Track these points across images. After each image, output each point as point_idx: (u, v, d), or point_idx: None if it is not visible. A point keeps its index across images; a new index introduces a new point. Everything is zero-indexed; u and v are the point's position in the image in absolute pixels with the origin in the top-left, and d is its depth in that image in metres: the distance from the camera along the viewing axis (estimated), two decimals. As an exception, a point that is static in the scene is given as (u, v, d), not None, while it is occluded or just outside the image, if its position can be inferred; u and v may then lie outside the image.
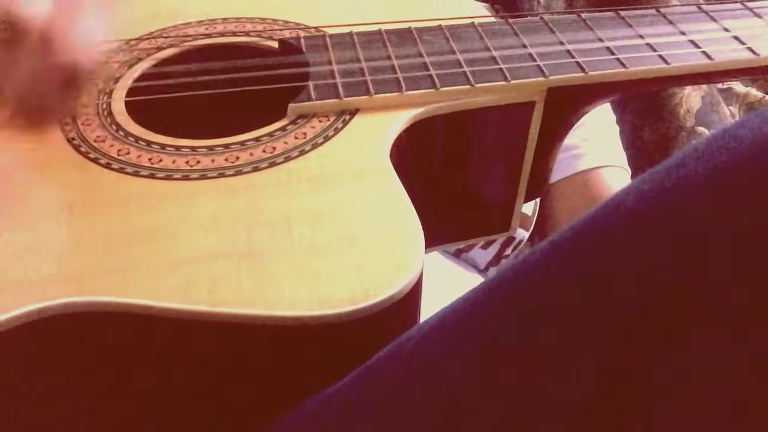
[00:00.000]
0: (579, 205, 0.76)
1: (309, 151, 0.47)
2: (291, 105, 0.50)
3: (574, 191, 0.77)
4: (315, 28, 0.59)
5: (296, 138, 0.48)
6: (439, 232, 0.57)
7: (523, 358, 0.34)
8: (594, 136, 0.79)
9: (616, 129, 0.83)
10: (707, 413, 0.31)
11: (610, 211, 0.34)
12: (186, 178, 0.46)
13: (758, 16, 0.57)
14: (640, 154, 0.94)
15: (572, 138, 0.76)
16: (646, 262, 0.32)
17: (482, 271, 0.77)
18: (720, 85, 1.00)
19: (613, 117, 0.84)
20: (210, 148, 0.48)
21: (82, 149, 0.48)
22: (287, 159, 0.47)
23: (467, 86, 0.51)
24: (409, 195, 0.44)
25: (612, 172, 0.78)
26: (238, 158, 0.47)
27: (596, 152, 0.78)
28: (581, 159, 0.77)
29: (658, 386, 0.31)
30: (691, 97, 0.95)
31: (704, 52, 0.53)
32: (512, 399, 0.34)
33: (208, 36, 0.58)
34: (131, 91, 0.53)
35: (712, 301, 0.30)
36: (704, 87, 0.96)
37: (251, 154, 0.47)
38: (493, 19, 0.59)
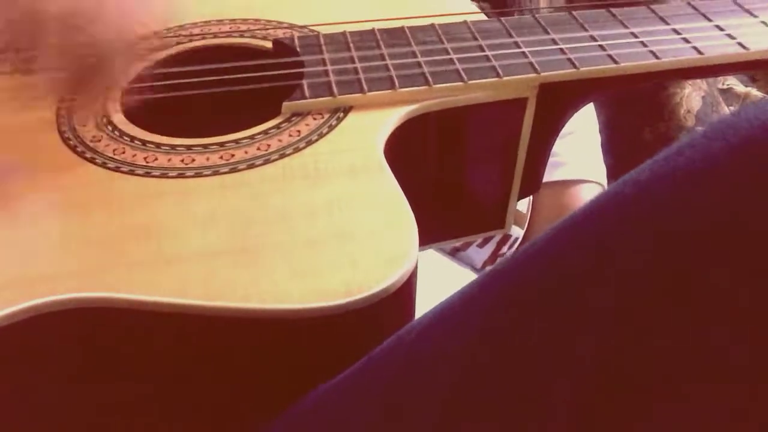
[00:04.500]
0: (550, 216, 0.76)
1: (303, 148, 0.48)
2: (285, 103, 0.51)
3: (547, 199, 0.77)
4: (308, 27, 0.59)
5: (291, 135, 0.49)
6: (434, 229, 0.57)
7: (521, 348, 0.34)
8: (577, 147, 0.79)
9: (599, 139, 0.83)
10: (708, 413, 0.31)
11: (607, 201, 0.34)
12: (181, 176, 0.46)
13: (748, 12, 0.57)
14: (640, 154, 0.94)
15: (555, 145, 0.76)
16: (643, 252, 0.32)
17: (478, 270, 0.77)
18: (720, 86, 1.00)
19: (596, 125, 0.84)
20: (205, 146, 0.48)
21: (78, 149, 0.48)
22: (282, 156, 0.47)
23: (460, 83, 0.51)
24: (403, 192, 0.45)
25: (588, 189, 0.78)
26: (233, 156, 0.47)
27: (576, 164, 0.78)
28: (559, 168, 0.77)
29: (657, 372, 0.31)
30: (692, 98, 0.95)
31: (695, 47, 0.53)
32: (513, 387, 0.34)
33: (203, 37, 0.59)
34: (126, 91, 0.54)
35: (712, 285, 0.30)
36: (704, 87, 0.96)
37: (246, 152, 0.48)
38: (485, 18, 0.59)
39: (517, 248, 0.78)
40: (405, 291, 0.41)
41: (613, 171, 0.83)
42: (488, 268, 0.76)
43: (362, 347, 0.40)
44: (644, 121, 0.96)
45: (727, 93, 1.01)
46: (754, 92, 1.02)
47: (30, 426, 0.43)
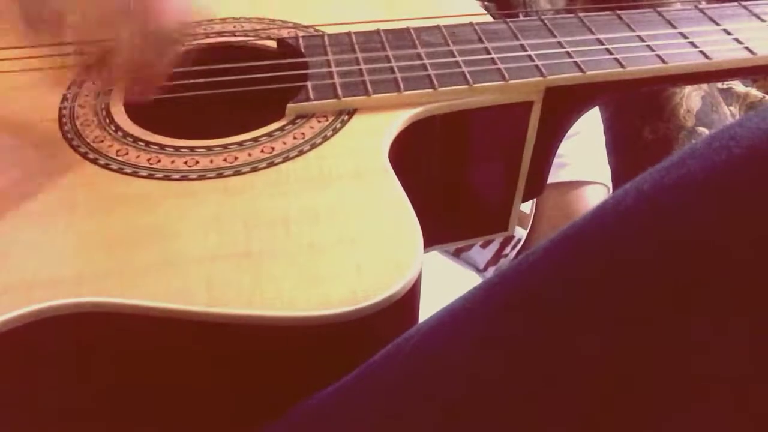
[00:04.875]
0: (553, 216, 0.76)
1: (308, 151, 0.47)
2: (289, 105, 0.50)
3: (551, 199, 0.77)
4: (313, 27, 0.59)
5: (295, 138, 0.48)
6: (438, 232, 0.57)
7: (524, 356, 0.34)
8: (581, 148, 0.79)
9: (603, 140, 0.83)
10: (714, 418, 0.31)
11: (609, 210, 0.34)
12: (184, 178, 0.46)
13: (757, 16, 0.57)
14: (640, 154, 0.94)
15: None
16: (647, 262, 0.32)
17: (481, 271, 0.77)
18: (720, 85, 1.00)
19: (600, 126, 0.84)
20: (208, 148, 0.48)
21: (81, 150, 0.48)
22: (286, 159, 0.47)
23: (465, 86, 0.51)
24: (407, 195, 0.44)
25: (593, 190, 0.78)
26: (236, 158, 0.47)
27: (580, 165, 0.78)
28: (564, 168, 0.77)
29: (661, 380, 0.31)
30: (692, 97, 0.95)
31: (702, 52, 0.53)
32: (515, 395, 0.34)
33: (207, 36, 0.58)
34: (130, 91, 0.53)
35: (715, 296, 0.30)
36: (704, 87, 0.96)
37: (250, 155, 0.47)
38: (491, 19, 0.59)
39: (519, 251, 0.78)
40: (409, 297, 0.40)
41: (613, 171, 0.83)
42: (491, 269, 0.76)
43: (365, 351, 0.40)
44: (644, 121, 0.96)
45: (727, 93, 1.01)
46: (754, 92, 1.02)
47: (31, 430, 0.43)
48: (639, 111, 0.97)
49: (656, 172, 0.33)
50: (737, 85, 1.02)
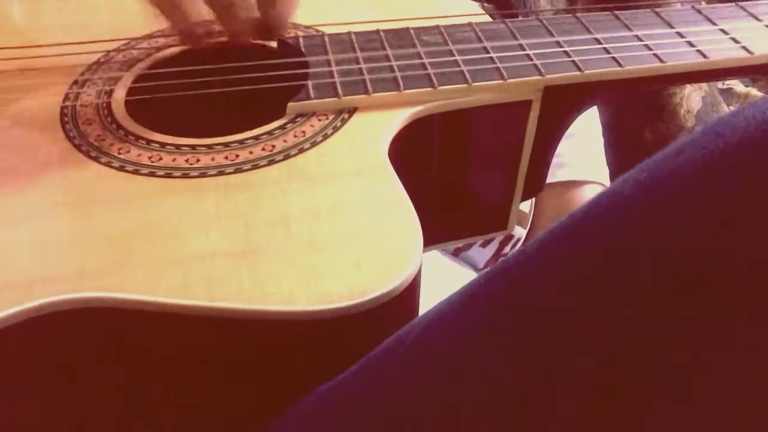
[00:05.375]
0: (552, 216, 0.76)
1: (308, 149, 0.48)
2: (290, 104, 0.51)
3: (549, 200, 0.78)
4: (313, 27, 0.59)
5: (295, 136, 0.49)
6: (437, 230, 0.57)
7: (522, 349, 0.34)
8: (579, 148, 0.79)
9: (601, 141, 0.83)
10: (710, 413, 0.32)
11: (607, 200, 0.34)
12: (186, 176, 0.46)
13: (753, 16, 0.57)
14: (640, 154, 0.93)
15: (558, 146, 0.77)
16: (645, 251, 0.32)
17: (481, 271, 0.77)
18: (720, 86, 1.00)
19: (599, 127, 0.84)
20: (210, 146, 0.48)
21: (83, 148, 0.48)
22: (286, 157, 0.47)
23: (465, 85, 0.51)
24: (407, 193, 0.45)
25: (591, 189, 0.78)
26: (237, 156, 0.47)
27: (578, 165, 0.78)
28: (562, 169, 0.77)
29: (658, 378, 0.31)
30: (692, 98, 0.95)
31: (699, 51, 0.54)
32: (514, 387, 0.34)
33: (208, 36, 0.59)
34: (131, 91, 0.54)
35: (713, 286, 0.30)
36: (705, 87, 0.96)
37: (251, 152, 0.48)
38: (489, 20, 0.59)
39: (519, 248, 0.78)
40: (409, 293, 0.41)
41: (614, 171, 0.83)
42: (489, 267, 0.77)
43: (365, 348, 0.40)
44: (644, 121, 0.96)
45: (727, 93, 1.01)
46: (754, 92, 1.02)
47: (31, 429, 0.43)
48: (639, 111, 0.97)
49: (653, 162, 0.34)
50: (737, 86, 1.02)
